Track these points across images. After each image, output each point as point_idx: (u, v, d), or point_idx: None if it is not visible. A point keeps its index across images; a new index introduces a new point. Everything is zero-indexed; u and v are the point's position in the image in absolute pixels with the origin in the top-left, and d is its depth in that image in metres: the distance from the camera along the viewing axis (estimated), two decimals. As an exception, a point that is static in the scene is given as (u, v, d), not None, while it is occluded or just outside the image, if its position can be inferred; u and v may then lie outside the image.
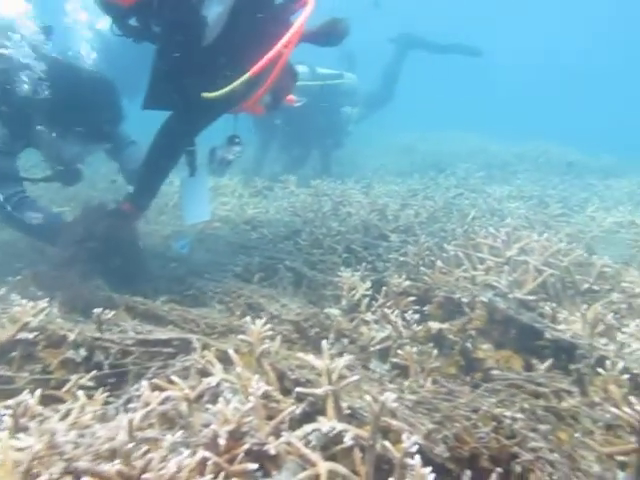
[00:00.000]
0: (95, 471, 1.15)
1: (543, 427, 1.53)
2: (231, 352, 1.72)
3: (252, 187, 6.29)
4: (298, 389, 1.59)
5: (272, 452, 1.35)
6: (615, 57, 25.09)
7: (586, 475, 1.38)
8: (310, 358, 1.59)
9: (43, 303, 2.01)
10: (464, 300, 2.58)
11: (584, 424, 1.62)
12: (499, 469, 1.42)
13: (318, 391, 1.50)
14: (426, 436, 1.47)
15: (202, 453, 1.32)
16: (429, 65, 10.66)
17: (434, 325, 2.38)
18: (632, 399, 1.48)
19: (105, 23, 5.06)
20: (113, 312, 2.13)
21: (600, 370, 1.81)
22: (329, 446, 1.52)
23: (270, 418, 1.52)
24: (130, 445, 1.10)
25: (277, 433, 1.44)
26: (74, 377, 1.72)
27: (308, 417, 1.62)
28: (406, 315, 2.37)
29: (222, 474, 1.24)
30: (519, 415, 1.54)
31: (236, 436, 1.39)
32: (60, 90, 3.14)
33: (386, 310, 2.34)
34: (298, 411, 1.66)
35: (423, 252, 3.13)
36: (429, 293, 2.78)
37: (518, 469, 1.39)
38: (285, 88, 3.36)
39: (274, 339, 2.01)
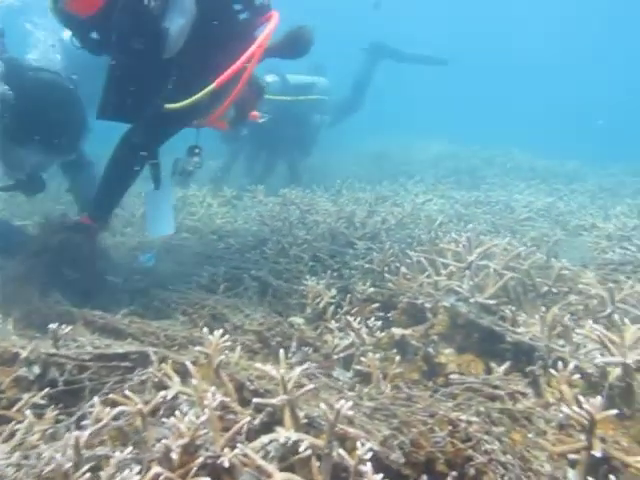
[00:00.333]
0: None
1: (497, 429, 1.55)
2: (188, 364, 1.71)
3: (221, 197, 6.26)
4: (255, 400, 1.58)
5: (226, 464, 1.33)
6: (578, 60, 25.82)
7: (537, 475, 1.41)
8: (267, 368, 1.59)
9: (-4, 320, 1.96)
10: (427, 305, 2.61)
11: (538, 425, 1.65)
12: (454, 473, 1.43)
13: (273, 401, 1.49)
14: (382, 442, 1.48)
15: (155, 469, 1.30)
16: (400, 72, 10.79)
17: (397, 331, 2.40)
18: (581, 398, 1.51)
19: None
20: (70, 327, 2.08)
21: (552, 371, 1.85)
22: (287, 456, 1.52)
23: (227, 430, 1.51)
24: (68, 465, 1.08)
25: (233, 445, 1.43)
26: (26, 396, 1.68)
27: (267, 428, 1.62)
28: (369, 322, 2.38)
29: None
30: (474, 418, 1.56)
31: (190, 450, 1.38)
32: (17, 94, 3.05)
33: (349, 317, 2.35)
34: (256, 422, 1.65)
35: (388, 259, 3.16)
36: (393, 299, 2.81)
37: (472, 472, 1.41)
38: (249, 104, 3.37)
39: (234, 350, 2.00)
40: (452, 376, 2.00)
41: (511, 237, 4.56)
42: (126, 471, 1.20)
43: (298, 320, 2.52)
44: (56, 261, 2.66)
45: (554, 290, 2.82)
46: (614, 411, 1.48)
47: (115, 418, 1.51)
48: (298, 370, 1.54)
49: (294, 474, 1.42)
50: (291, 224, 4.11)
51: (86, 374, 1.86)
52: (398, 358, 2.20)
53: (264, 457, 1.51)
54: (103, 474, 1.14)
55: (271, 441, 1.51)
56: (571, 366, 1.81)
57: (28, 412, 1.41)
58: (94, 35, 2.94)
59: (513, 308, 2.50)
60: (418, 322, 2.61)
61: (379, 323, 2.42)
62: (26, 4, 3.69)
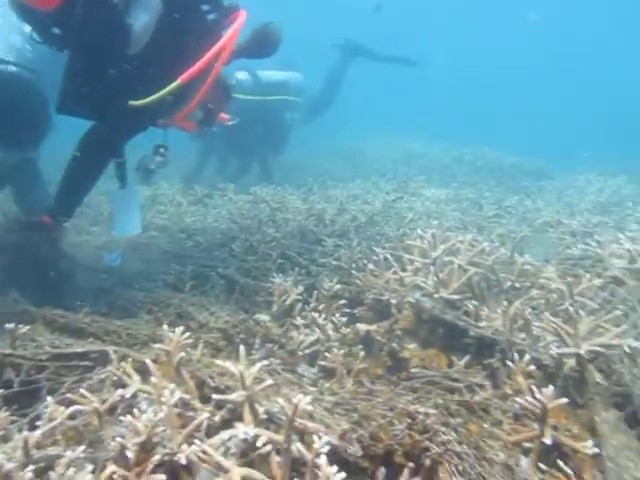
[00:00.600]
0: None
1: (454, 421, 1.58)
2: (148, 362, 1.69)
3: (191, 195, 6.20)
4: (214, 396, 1.58)
5: (183, 461, 1.33)
6: (545, 61, 26.34)
7: (491, 463, 1.44)
8: (227, 364, 1.58)
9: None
10: (392, 301, 2.64)
11: (494, 415, 1.68)
12: (411, 464, 1.46)
13: (231, 397, 1.49)
14: (341, 436, 1.49)
15: (110, 468, 1.29)
16: (372, 70, 10.87)
17: (362, 327, 2.42)
18: (534, 388, 1.55)
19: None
20: (28, 327, 2.04)
21: (509, 363, 1.89)
22: (248, 452, 1.52)
23: (187, 427, 1.50)
24: (9, 466, 1.06)
25: (191, 442, 1.42)
26: (-21, 397, 1.64)
27: (228, 424, 1.61)
28: (334, 318, 2.39)
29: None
30: (432, 411, 1.58)
31: (147, 447, 1.37)
32: None
33: (314, 314, 2.36)
34: (217, 419, 1.65)
35: (355, 256, 3.18)
36: (360, 296, 2.83)
37: (428, 462, 1.43)
38: (218, 105, 3.35)
39: (196, 347, 1.99)
40: (413, 370, 2.03)
41: (478, 234, 4.66)
42: (78, 470, 1.19)
43: (264, 317, 2.52)
44: (14, 260, 2.60)
45: (517, 285, 2.89)
46: (564, 400, 1.53)
47: (71, 417, 1.49)
48: (257, 366, 1.54)
49: (254, 469, 1.43)
50: (260, 222, 4.10)
51: (44, 374, 1.83)
52: (362, 354, 2.22)
53: (225, 453, 1.51)
54: (53, 474, 1.12)
55: (231, 437, 1.51)
56: (527, 358, 1.85)
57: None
58: (55, 30, 2.88)
59: (476, 303, 2.54)
60: (384, 318, 2.64)
61: (344, 319, 2.43)
62: None
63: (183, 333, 1.82)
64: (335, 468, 1.22)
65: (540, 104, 22.32)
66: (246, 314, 2.65)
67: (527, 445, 1.56)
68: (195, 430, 1.45)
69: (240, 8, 3.11)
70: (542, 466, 1.48)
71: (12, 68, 3.13)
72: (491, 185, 7.70)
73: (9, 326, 1.95)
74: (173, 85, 2.80)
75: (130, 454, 1.28)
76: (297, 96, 7.45)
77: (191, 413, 1.59)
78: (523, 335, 2.34)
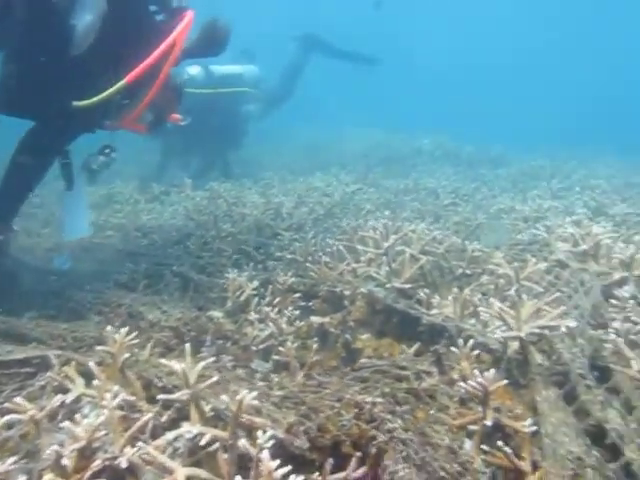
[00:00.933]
0: None
1: (401, 409, 1.60)
2: (92, 364, 1.66)
3: (149, 193, 6.09)
4: (160, 396, 1.56)
5: (124, 464, 1.31)
6: (503, 54, 26.88)
7: (436, 448, 1.47)
8: (171, 363, 1.56)
9: None
10: (346, 293, 2.66)
11: (440, 401, 1.72)
12: (358, 453, 1.47)
13: (174, 396, 1.47)
14: (287, 430, 1.50)
15: (46, 477, 1.26)
16: (330, 63, 10.86)
17: (315, 319, 2.43)
18: (476, 372, 1.59)
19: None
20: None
21: (453, 349, 1.93)
22: (196, 451, 1.51)
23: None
24: None
25: (134, 444, 1.40)
26: None
27: (176, 424, 1.59)
28: (287, 312, 2.39)
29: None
30: (379, 399, 1.60)
31: (86, 453, 1.34)
32: None
33: (266, 308, 2.35)
34: (164, 419, 1.63)
35: (310, 248, 3.18)
36: (315, 288, 2.84)
37: (374, 451, 1.45)
38: (168, 106, 3.29)
39: (144, 347, 1.96)
40: (362, 360, 2.05)
41: (435, 222, 4.73)
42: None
43: (217, 314, 2.49)
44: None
45: (468, 272, 2.95)
46: (504, 382, 1.57)
47: (9, 427, 1.44)
48: (202, 364, 1.53)
49: (202, 468, 1.42)
50: (216, 217, 4.06)
51: (-18, 383, 1.77)
52: (315, 346, 2.23)
53: (173, 454, 1.49)
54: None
55: (177, 437, 1.49)
56: (470, 343, 1.89)
57: None
58: None
59: (428, 291, 2.58)
60: (339, 310, 2.65)
61: (297, 312, 2.43)
62: None
63: (128, 334, 1.79)
64: (277, 462, 1.22)
65: (505, 96, 22.93)
66: (199, 311, 2.62)
67: (472, 428, 1.59)
68: (139, 432, 1.43)
69: (189, 9, 3.07)
70: (484, 447, 1.52)
71: None
72: (449, 174, 7.82)
73: (-56, 335, 1.87)
74: (119, 85, 2.75)
75: (67, 462, 1.25)
76: (253, 89, 7.36)
77: (137, 415, 1.57)
78: (473, 321, 2.40)
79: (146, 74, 2.81)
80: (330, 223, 4.36)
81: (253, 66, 7.53)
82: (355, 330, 2.44)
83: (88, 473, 1.26)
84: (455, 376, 1.86)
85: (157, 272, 3.18)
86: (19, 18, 2.63)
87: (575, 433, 1.53)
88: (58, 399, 1.46)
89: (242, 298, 2.74)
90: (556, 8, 25.88)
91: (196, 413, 1.52)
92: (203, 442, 1.37)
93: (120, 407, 1.57)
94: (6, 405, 1.53)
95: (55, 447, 1.24)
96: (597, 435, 1.58)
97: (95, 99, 2.74)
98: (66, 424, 1.34)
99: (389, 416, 1.55)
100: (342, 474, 1.40)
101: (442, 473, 1.38)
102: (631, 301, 2.42)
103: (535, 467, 1.47)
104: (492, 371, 1.58)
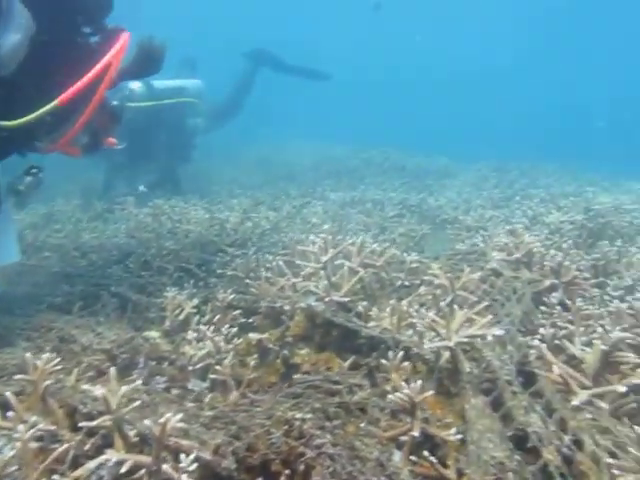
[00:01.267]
0: None
1: (332, 424, 1.61)
2: (8, 394, 1.58)
3: (92, 211, 5.91)
4: (81, 424, 1.51)
5: (37, 499, 1.25)
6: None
7: (364, 461, 1.47)
8: (92, 388, 1.51)
9: None
10: (285, 308, 2.65)
11: (371, 414, 1.73)
12: (287, 471, 1.46)
13: (94, 423, 1.43)
14: (215, 451, 1.47)
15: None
16: (279, 77, 10.94)
17: (253, 336, 2.40)
18: (403, 384, 1.62)
19: None
20: None
21: (383, 361, 1.96)
22: (121, 479, 1.46)
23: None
24: None
25: (50, 477, 1.35)
26: None
27: (101, 451, 1.54)
28: (224, 329, 2.37)
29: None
30: (309, 415, 1.60)
31: (-4, 489, 1.28)
32: None
33: (202, 327, 2.32)
34: (87, 447, 1.57)
35: (252, 264, 3.17)
36: (255, 305, 2.82)
37: (302, 467, 1.45)
38: (104, 129, 3.23)
39: (70, 373, 1.89)
40: (295, 376, 2.04)
41: (379, 233, 4.80)
42: None
43: (153, 334, 2.44)
44: None
45: (406, 283, 3.00)
46: (430, 392, 1.60)
47: None
48: (124, 388, 1.49)
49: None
50: (158, 235, 3.98)
51: None
52: (253, 363, 2.22)
53: (96, 483, 1.44)
54: None
55: (99, 465, 1.44)
56: (400, 354, 1.92)
57: None
58: None
59: (365, 304, 2.61)
60: (279, 325, 2.64)
61: (235, 330, 2.41)
62: None
63: (52, 359, 1.73)
64: (197, 486, 1.20)
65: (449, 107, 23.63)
66: (136, 332, 2.56)
67: (403, 439, 1.61)
68: (56, 463, 1.37)
69: (124, 30, 3.03)
70: (413, 458, 1.54)
71: None
72: (396, 185, 7.96)
73: None
74: (50, 106, 2.68)
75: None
76: (196, 105, 7.29)
77: (57, 445, 1.51)
78: (410, 332, 2.44)
79: (80, 96, 2.75)
80: (276, 238, 4.35)
81: (196, 80, 7.48)
82: (294, 345, 2.43)
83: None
84: (387, 388, 1.88)
85: (94, 293, 3.08)
86: None
87: (500, 439, 1.58)
88: (-32, 433, 1.39)
89: (181, 317, 2.69)
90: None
91: (119, 439, 1.47)
92: (124, 469, 1.33)
93: (39, 438, 1.51)
94: None
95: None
96: (521, 439, 1.63)
97: (23, 119, 2.66)
98: (-26, 460, 1.27)
99: (318, 432, 1.56)
100: (269, 494, 1.39)
101: (368, 486, 1.39)
102: (558, 307, 2.53)
103: (460, 474, 1.50)
104: (419, 382, 1.61)
